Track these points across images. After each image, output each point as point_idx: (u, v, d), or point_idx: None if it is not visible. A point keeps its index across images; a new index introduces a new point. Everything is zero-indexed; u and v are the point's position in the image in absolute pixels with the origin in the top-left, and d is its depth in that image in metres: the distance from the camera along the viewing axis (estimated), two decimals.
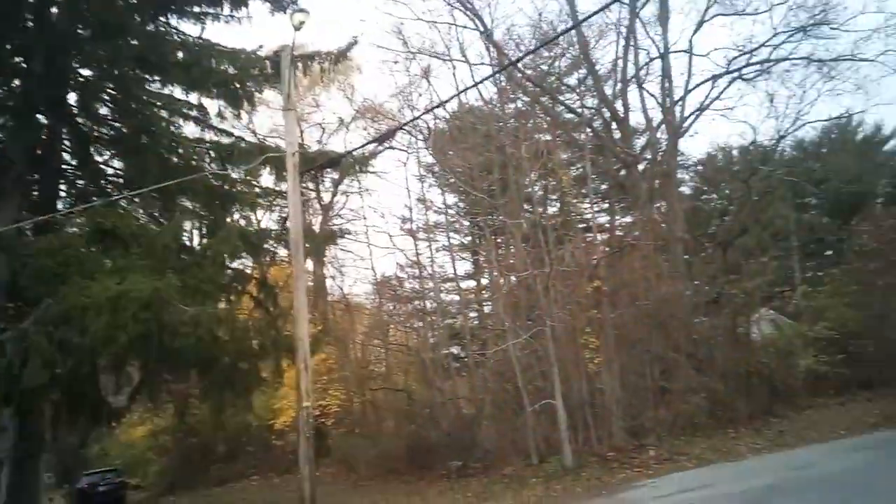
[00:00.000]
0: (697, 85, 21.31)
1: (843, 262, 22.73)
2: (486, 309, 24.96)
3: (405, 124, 22.20)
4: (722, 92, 21.17)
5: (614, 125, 22.07)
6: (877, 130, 32.57)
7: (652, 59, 21.55)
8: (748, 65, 20.83)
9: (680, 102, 21.21)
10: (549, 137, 20.33)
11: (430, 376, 20.58)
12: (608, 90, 22.21)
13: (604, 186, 26.08)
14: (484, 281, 26.67)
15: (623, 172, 22.11)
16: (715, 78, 21.09)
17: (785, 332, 18.90)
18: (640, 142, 23.75)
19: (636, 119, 23.29)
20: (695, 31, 21.06)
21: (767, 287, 20.59)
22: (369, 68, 65.90)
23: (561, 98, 22.75)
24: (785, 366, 17.00)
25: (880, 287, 18.16)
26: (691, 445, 14.17)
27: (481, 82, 22.43)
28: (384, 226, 42.37)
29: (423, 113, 22.07)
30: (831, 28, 20.10)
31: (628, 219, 24.24)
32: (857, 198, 26.92)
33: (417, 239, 23.85)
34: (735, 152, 26.92)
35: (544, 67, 22.58)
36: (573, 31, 20.28)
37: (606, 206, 26.54)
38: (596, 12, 22.13)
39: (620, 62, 21.50)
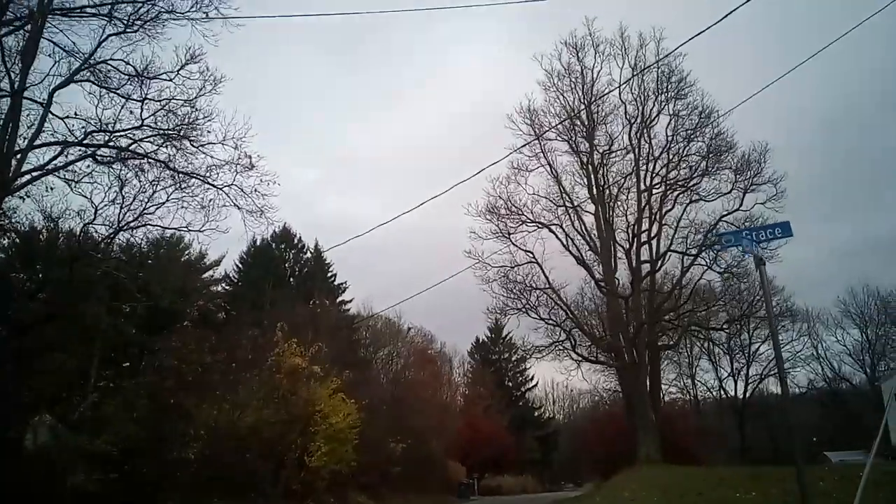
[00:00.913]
0: (45, 144, 18.43)
1: (142, 375, 22.19)
2: None
3: None
4: (71, 163, 18.84)
5: None
6: (201, 257, 35.25)
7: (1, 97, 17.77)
8: (105, 145, 19.31)
9: (18, 155, 17.83)
10: None
11: None
12: None
13: None
14: None
15: None
16: (67, 145, 18.72)
17: (62, 443, 16.47)
18: None
19: None
20: (60, 86, 18.51)
21: (55, 388, 18.04)
22: None
23: None
24: (53, 482, 14.52)
25: (172, 407, 18.14)
26: None
27: None
28: None
29: None
30: (192, 144, 20.75)
31: None
32: (171, 315, 27.55)
33: None
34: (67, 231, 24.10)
35: None
36: None
37: None
38: None
39: None
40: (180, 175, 20.26)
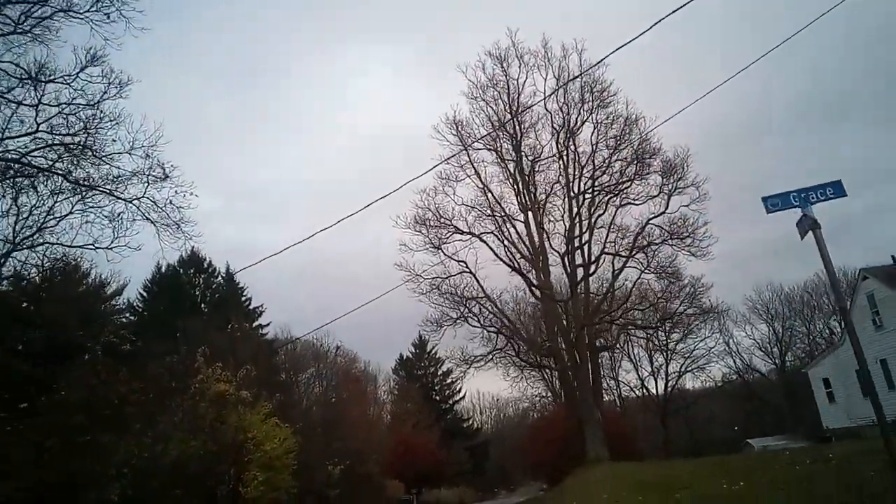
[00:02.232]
0: None
1: (45, 414, 19.66)
2: None
3: None
4: None
5: None
6: (101, 285, 32.36)
7: None
8: None
9: None
10: None
11: None
12: None
13: None
14: None
15: None
16: None
17: None
18: None
19: None
20: None
21: None
22: None
23: None
24: None
25: (84, 445, 16.11)
26: None
27: None
28: None
29: None
30: (95, 154, 18.71)
31: None
32: (73, 347, 24.90)
33: None
34: None
35: None
36: None
37: None
38: None
39: None
40: (82, 187, 18.23)
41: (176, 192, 17.87)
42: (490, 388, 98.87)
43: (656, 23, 10.91)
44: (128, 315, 41.20)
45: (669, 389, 64.27)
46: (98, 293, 31.88)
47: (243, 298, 48.66)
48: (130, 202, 18.34)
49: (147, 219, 17.68)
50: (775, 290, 60.05)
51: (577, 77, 27.24)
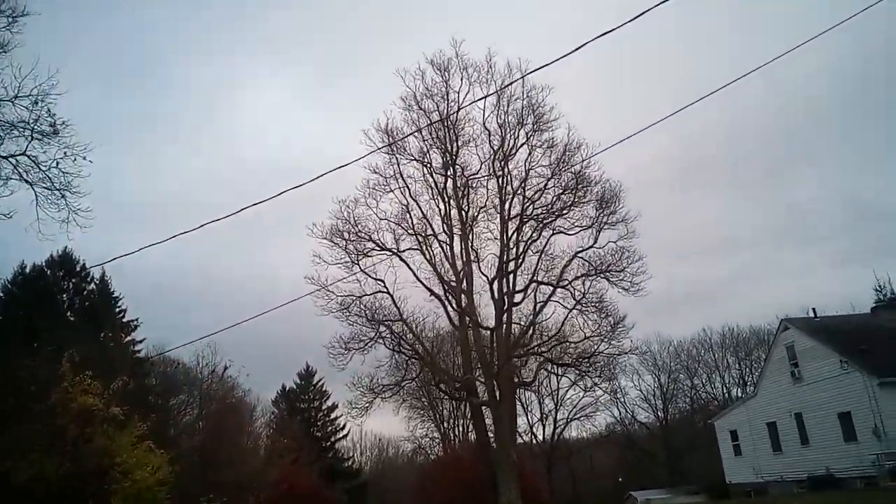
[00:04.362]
0: None
1: None
2: None
3: None
4: None
5: None
6: None
7: None
8: None
9: None
10: None
11: None
12: None
13: None
14: None
15: None
16: None
17: None
18: None
19: None
20: None
21: None
22: None
23: None
24: None
25: None
26: None
27: None
28: None
29: None
30: None
31: None
32: None
33: None
34: None
35: None
36: None
37: None
38: None
39: None
40: None
41: (65, 153, 14.91)
42: (373, 426, 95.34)
43: (597, 37, 9.81)
44: None
45: (556, 437, 64.24)
46: None
47: (118, 310, 43.72)
48: (6, 158, 15.14)
49: (25, 181, 14.54)
50: (663, 342, 61.77)
51: (515, 81, 26.11)
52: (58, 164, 14.90)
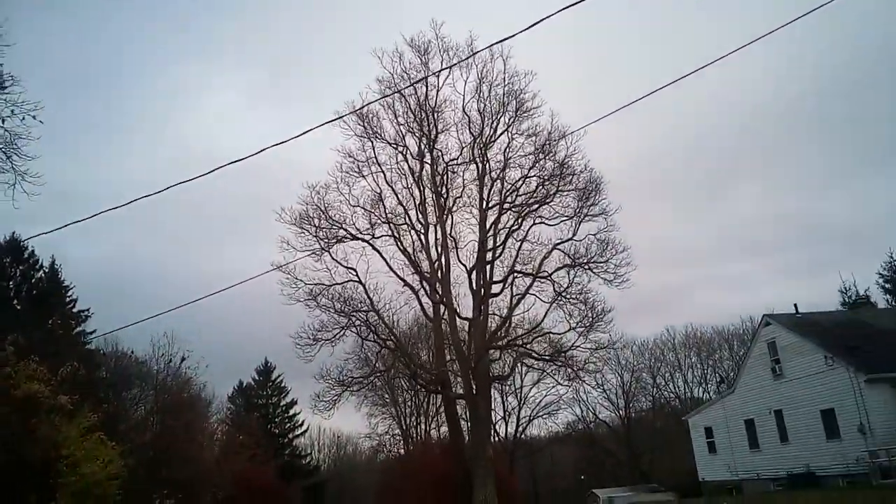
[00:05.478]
0: None
1: None
2: None
3: None
4: None
5: None
6: None
7: None
8: None
9: None
10: None
11: None
12: None
13: None
14: None
15: None
16: None
17: None
18: None
19: None
20: None
21: None
22: None
23: None
24: None
25: None
26: None
27: None
28: None
29: None
30: None
31: None
32: None
33: None
34: None
35: None
36: None
37: None
38: None
39: None
40: None
41: (13, 111, 13.41)
42: (332, 422, 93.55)
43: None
44: None
45: (519, 435, 63.70)
46: None
47: (68, 299, 41.44)
48: None
49: None
50: (627, 342, 61.66)
51: (497, 82, 25.49)
52: (3, 121, 13.46)
